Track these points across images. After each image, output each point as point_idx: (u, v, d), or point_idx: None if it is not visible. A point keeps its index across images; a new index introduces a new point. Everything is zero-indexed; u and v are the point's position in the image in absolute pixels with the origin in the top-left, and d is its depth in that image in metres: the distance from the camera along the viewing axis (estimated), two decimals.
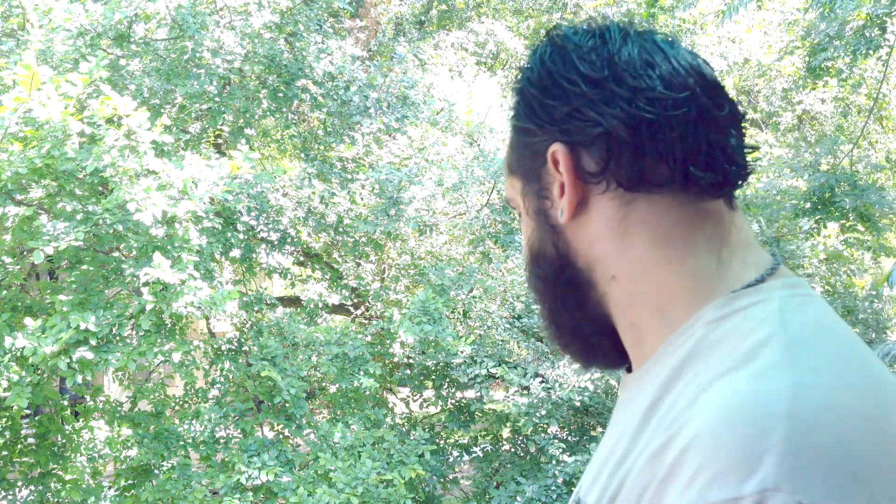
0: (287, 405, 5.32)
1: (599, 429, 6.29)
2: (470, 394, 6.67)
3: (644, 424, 0.65)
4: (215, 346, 5.91)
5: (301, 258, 7.31)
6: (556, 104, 0.71)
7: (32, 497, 4.98)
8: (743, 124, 0.72)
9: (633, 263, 0.69)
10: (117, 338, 4.41)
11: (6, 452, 5.02)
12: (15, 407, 4.20)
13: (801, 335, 0.61)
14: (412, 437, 5.65)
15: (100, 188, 4.67)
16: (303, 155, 7.08)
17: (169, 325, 4.66)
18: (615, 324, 0.73)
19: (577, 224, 0.72)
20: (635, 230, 0.69)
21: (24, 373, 4.15)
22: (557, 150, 0.70)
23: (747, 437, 0.52)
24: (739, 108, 0.72)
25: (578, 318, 0.75)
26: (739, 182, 0.70)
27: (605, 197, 0.69)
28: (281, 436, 5.64)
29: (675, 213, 0.68)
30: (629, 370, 0.76)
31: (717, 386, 0.58)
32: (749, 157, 0.71)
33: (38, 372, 4.40)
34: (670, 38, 0.74)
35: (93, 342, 4.16)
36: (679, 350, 0.65)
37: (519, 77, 0.77)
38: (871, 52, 6.85)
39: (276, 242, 6.34)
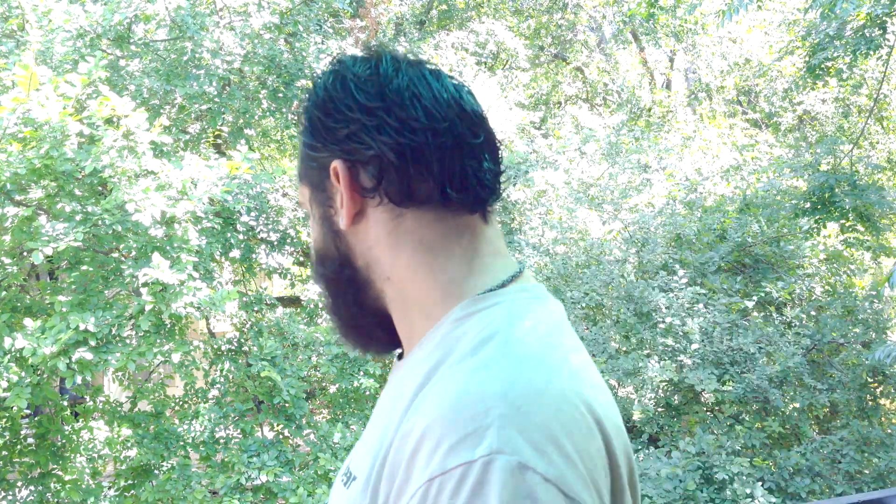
0: (287, 405, 5.32)
1: None
2: None
3: (409, 407, 0.74)
4: (215, 346, 5.91)
5: (301, 258, 7.31)
6: (336, 126, 0.81)
7: (32, 497, 4.98)
8: (499, 149, 0.84)
9: (403, 268, 0.81)
10: (117, 338, 4.41)
11: (6, 453, 5.02)
12: (15, 407, 4.19)
13: (521, 332, 0.75)
14: None
15: (99, 189, 4.67)
16: None
17: (168, 326, 4.66)
18: (392, 317, 0.84)
19: (357, 230, 0.83)
20: (404, 239, 0.80)
21: (23, 373, 4.15)
22: (337, 166, 0.81)
23: (474, 415, 0.66)
24: (495, 136, 0.84)
25: (356, 311, 0.86)
26: (491, 201, 0.82)
27: (380, 209, 0.80)
28: (281, 436, 5.64)
29: (437, 226, 0.80)
30: (400, 357, 0.87)
31: (447, 376, 0.72)
32: (501, 179, 0.83)
33: (38, 372, 4.40)
34: (437, 70, 0.84)
35: (92, 343, 4.16)
36: (433, 342, 0.78)
37: (306, 98, 0.86)
38: (871, 51, 6.84)
39: (275, 242, 6.34)
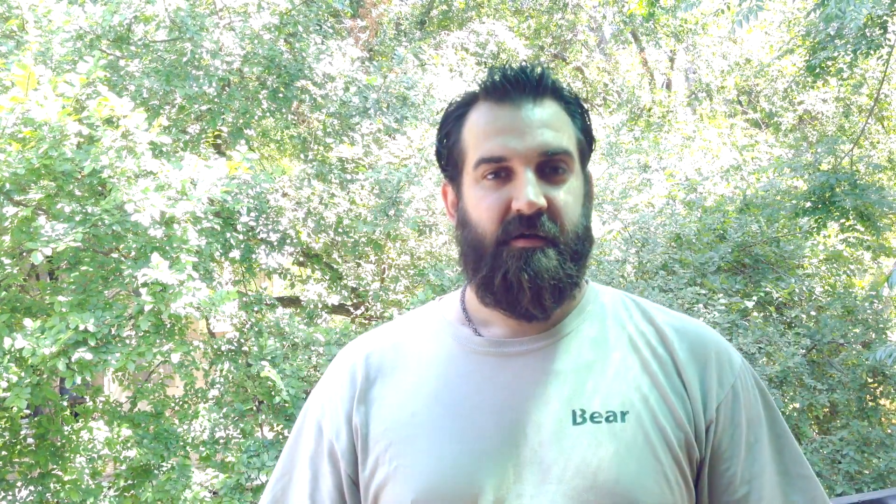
0: (287, 405, 5.32)
1: None
2: None
3: (662, 342, 1.04)
4: (215, 346, 5.91)
5: (301, 258, 7.31)
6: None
7: (32, 497, 4.98)
8: None
9: None
10: (116, 338, 4.41)
11: (6, 453, 5.02)
12: (14, 408, 4.19)
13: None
14: None
15: (99, 189, 4.67)
16: (302, 155, 7.08)
17: (168, 326, 4.66)
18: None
19: None
20: None
21: (23, 374, 4.15)
22: (591, 175, 1.11)
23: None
24: None
25: (578, 280, 1.09)
26: None
27: None
28: (281, 436, 5.64)
29: None
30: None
31: (684, 318, 1.12)
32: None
33: (38, 373, 4.40)
34: None
35: (92, 343, 4.15)
36: (603, 309, 1.10)
37: (588, 116, 1.08)
38: (871, 51, 6.83)
39: (275, 243, 6.34)
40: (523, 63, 1.06)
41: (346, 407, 1.04)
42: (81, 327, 4.08)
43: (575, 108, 1.04)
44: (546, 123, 0.98)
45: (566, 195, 0.98)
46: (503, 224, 0.97)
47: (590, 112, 1.06)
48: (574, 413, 0.95)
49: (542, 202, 0.95)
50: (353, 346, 1.12)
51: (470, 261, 1.01)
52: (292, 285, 7.54)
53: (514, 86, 1.00)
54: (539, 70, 1.02)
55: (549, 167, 0.98)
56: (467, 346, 1.04)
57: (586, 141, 1.05)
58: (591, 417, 0.95)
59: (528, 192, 0.95)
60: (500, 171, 0.98)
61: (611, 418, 0.95)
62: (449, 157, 1.06)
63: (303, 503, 1.04)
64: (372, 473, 1.00)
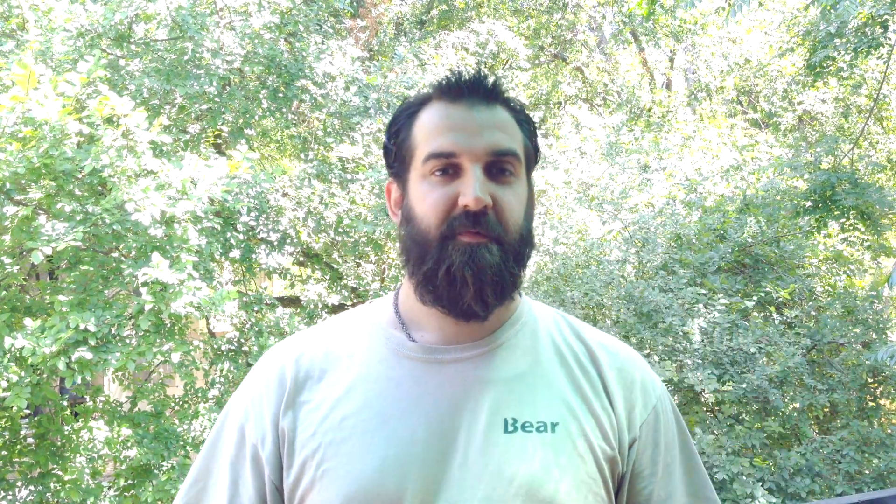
0: None
1: None
2: None
3: (589, 358, 1.07)
4: (215, 346, 5.91)
5: (301, 258, 7.31)
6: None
7: (32, 497, 4.97)
8: None
9: None
10: (116, 338, 4.41)
11: (6, 452, 5.01)
12: (14, 407, 4.19)
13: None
14: None
15: (99, 188, 4.67)
16: (302, 155, 7.08)
17: (168, 326, 4.65)
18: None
19: None
20: None
21: (23, 373, 4.15)
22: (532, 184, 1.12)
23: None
24: None
25: (518, 282, 1.08)
26: None
27: None
28: None
29: None
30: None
31: (606, 339, 1.15)
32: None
33: (38, 372, 4.39)
34: None
35: (92, 342, 4.15)
36: (529, 327, 1.10)
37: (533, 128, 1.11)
38: (871, 50, 6.83)
39: (275, 243, 6.34)
40: (477, 69, 1.09)
41: (272, 411, 1.02)
42: (81, 327, 4.08)
43: (523, 118, 1.06)
44: (497, 125, 1.00)
45: (512, 196, 0.99)
46: (449, 220, 0.97)
47: (535, 126, 1.09)
48: (506, 421, 0.97)
49: (489, 199, 0.96)
50: (280, 348, 1.10)
51: (413, 256, 1.01)
52: (292, 285, 7.54)
53: (468, 87, 1.02)
54: (492, 78, 1.04)
55: (497, 168, 0.99)
56: (400, 351, 1.03)
57: (533, 151, 1.07)
58: (523, 426, 0.97)
59: (476, 188, 0.95)
60: (449, 167, 0.98)
61: (542, 428, 0.97)
62: (397, 154, 1.06)
63: None
64: (297, 479, 0.99)
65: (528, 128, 1.07)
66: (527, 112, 1.08)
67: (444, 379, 1.00)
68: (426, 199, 0.99)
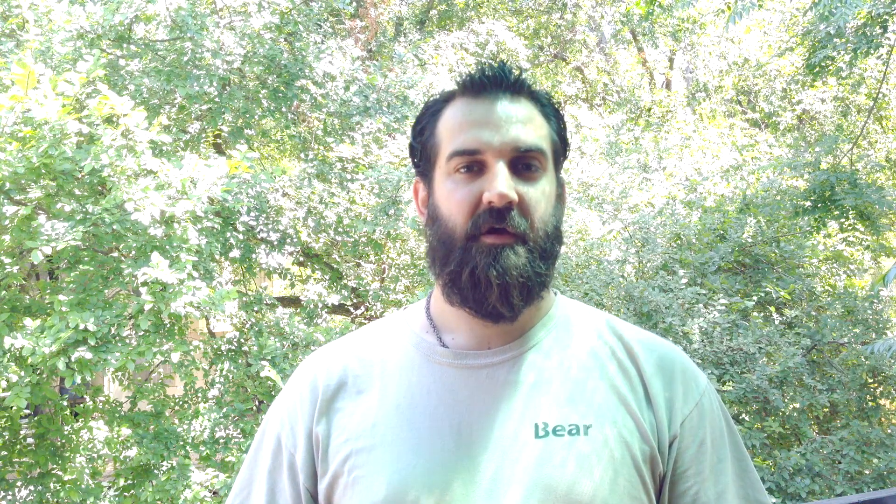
0: None
1: None
2: None
3: (629, 356, 1.03)
4: (215, 346, 5.91)
5: (301, 258, 7.31)
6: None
7: (32, 497, 4.97)
8: None
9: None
10: (116, 338, 4.40)
11: (5, 452, 5.01)
12: (14, 407, 4.19)
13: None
14: None
15: (99, 188, 4.67)
16: (302, 155, 7.08)
17: (168, 325, 4.65)
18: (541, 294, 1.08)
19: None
20: None
21: (23, 373, 4.15)
22: (563, 179, 1.07)
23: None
24: None
25: (548, 280, 1.05)
26: None
27: None
28: None
29: None
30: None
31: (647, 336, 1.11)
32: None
33: (38, 372, 4.39)
34: None
35: (92, 342, 4.15)
36: (568, 321, 1.08)
37: (563, 119, 1.07)
38: (871, 50, 6.82)
39: (275, 242, 6.33)
40: (501, 62, 1.04)
41: (306, 420, 1.03)
42: (81, 326, 4.08)
43: (550, 111, 1.04)
44: (521, 120, 0.98)
45: (538, 193, 0.98)
46: (473, 218, 0.96)
47: (565, 118, 1.06)
48: (536, 426, 0.95)
49: (514, 195, 0.94)
50: (315, 356, 1.11)
51: (439, 256, 1.00)
52: (292, 285, 7.53)
53: (491, 81, 1.00)
54: (517, 71, 1.02)
55: (522, 163, 0.97)
56: (431, 357, 1.03)
57: (561, 145, 1.05)
58: (554, 431, 0.95)
59: (500, 183, 0.94)
60: (473, 164, 0.97)
61: (573, 431, 0.95)
62: (422, 153, 1.05)
63: None
64: (330, 485, 1.00)
65: (556, 121, 1.04)
66: (555, 105, 1.05)
67: (474, 385, 0.99)
68: (451, 197, 0.98)
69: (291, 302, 7.56)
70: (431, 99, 1.06)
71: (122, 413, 5.48)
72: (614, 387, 0.99)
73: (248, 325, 5.94)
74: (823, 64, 7.47)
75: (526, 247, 0.96)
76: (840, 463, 5.72)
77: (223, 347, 5.83)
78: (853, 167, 7.34)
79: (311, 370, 1.08)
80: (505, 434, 0.95)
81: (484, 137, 0.96)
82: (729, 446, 1.04)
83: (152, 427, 5.26)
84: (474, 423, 0.96)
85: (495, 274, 0.94)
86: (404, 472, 0.95)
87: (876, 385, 6.46)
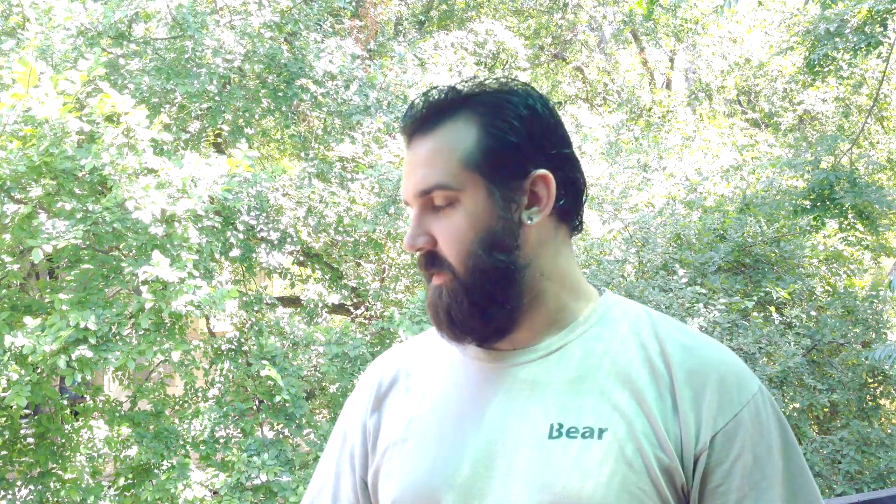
0: (287, 405, 5.32)
1: None
2: None
3: (661, 357, 0.99)
4: (215, 345, 5.91)
5: (301, 258, 7.31)
6: (545, 142, 0.98)
7: (32, 496, 4.97)
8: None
9: (560, 269, 1.01)
10: (117, 337, 4.40)
11: (6, 452, 5.01)
12: (14, 406, 4.19)
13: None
14: None
15: (99, 187, 4.66)
16: (302, 154, 7.07)
17: (168, 324, 4.65)
18: (531, 309, 1.00)
19: (535, 231, 0.98)
20: (561, 248, 1.01)
21: (23, 372, 4.15)
22: (547, 175, 0.97)
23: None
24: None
25: (500, 297, 0.98)
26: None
27: (548, 218, 0.99)
28: (281, 435, 5.63)
29: (568, 243, 1.03)
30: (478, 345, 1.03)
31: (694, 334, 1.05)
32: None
33: (38, 371, 4.39)
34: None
35: (92, 341, 4.15)
36: (608, 319, 1.03)
37: (512, 107, 0.98)
38: (871, 49, 6.82)
39: (275, 242, 6.33)
40: (425, 92, 1.01)
41: (363, 413, 1.12)
42: (82, 325, 4.08)
43: (489, 112, 0.97)
44: (423, 160, 0.98)
45: (450, 228, 0.97)
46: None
47: (539, 107, 0.99)
48: (552, 427, 0.96)
49: (418, 243, 0.99)
50: (381, 356, 1.20)
51: None
52: (292, 285, 7.53)
53: (407, 127, 1.01)
54: (422, 100, 0.99)
55: (430, 204, 0.99)
56: (468, 355, 1.07)
57: (501, 147, 0.97)
58: (568, 432, 0.95)
59: (406, 237, 1.00)
60: None
61: (587, 434, 0.95)
62: None
63: (327, 501, 1.14)
64: (375, 475, 1.08)
65: (489, 119, 0.97)
66: (507, 97, 0.98)
67: (501, 383, 1.01)
68: None
69: (291, 301, 7.56)
70: None
71: (123, 412, 5.48)
72: (637, 391, 0.97)
73: (248, 325, 5.94)
74: (823, 63, 7.47)
75: (456, 282, 0.99)
76: (840, 463, 5.72)
77: (223, 347, 5.83)
78: (853, 167, 7.34)
79: (375, 368, 1.17)
80: (522, 433, 0.97)
81: (405, 188, 1.02)
82: (781, 463, 0.96)
83: (152, 426, 5.26)
84: (496, 420, 0.99)
85: (432, 311, 1.02)
86: (426, 466, 1.00)
87: (876, 385, 6.46)
